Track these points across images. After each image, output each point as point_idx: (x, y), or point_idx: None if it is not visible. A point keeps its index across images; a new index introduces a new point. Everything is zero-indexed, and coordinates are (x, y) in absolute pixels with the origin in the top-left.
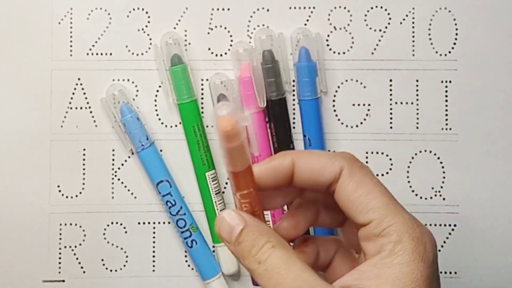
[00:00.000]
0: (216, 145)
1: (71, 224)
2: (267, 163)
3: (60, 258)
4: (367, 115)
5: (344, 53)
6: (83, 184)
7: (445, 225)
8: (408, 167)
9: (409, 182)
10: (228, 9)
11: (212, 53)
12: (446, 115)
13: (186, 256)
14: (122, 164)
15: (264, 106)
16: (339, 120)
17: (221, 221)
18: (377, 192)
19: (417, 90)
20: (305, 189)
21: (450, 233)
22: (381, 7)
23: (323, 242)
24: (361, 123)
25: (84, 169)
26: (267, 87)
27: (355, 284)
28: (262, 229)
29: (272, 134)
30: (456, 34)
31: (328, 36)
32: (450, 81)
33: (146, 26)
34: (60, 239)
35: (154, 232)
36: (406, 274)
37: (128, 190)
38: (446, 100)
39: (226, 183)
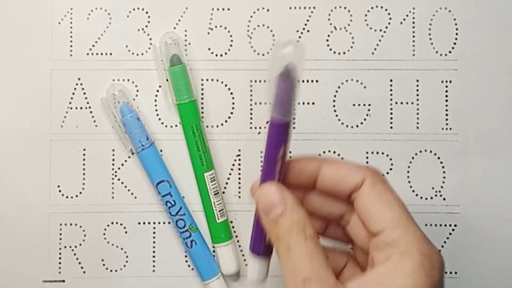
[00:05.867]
0: (215, 145)
1: (71, 224)
2: (297, 160)
3: (60, 258)
4: (367, 115)
5: (344, 53)
6: (83, 184)
7: (445, 225)
8: (408, 167)
9: (409, 182)
10: (228, 9)
11: (212, 53)
12: (446, 115)
13: (186, 256)
14: (122, 164)
15: None
16: (339, 120)
17: (262, 194)
18: (394, 205)
19: (417, 90)
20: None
21: (450, 233)
22: (381, 7)
23: (333, 254)
24: (361, 123)
25: (84, 169)
26: None
27: None
28: (299, 216)
29: None
30: (456, 34)
31: (328, 36)
32: (450, 81)
33: (146, 26)
34: (60, 239)
35: (154, 232)
36: (408, 285)
37: (128, 190)
38: (446, 100)
39: (227, 183)
